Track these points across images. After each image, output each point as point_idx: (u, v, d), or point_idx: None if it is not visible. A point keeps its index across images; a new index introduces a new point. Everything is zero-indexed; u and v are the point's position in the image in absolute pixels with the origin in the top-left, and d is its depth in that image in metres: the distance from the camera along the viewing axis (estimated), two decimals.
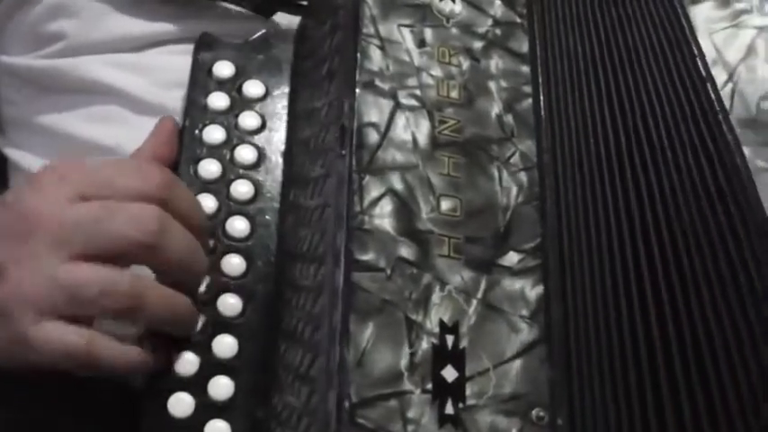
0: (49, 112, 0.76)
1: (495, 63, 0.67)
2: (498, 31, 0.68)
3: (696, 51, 0.71)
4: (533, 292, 0.62)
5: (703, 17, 0.72)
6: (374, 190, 0.61)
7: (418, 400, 0.57)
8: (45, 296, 0.60)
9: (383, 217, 0.61)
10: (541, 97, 0.67)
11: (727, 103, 0.68)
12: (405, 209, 0.61)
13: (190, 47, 0.75)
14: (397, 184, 0.62)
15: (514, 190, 0.64)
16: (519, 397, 0.59)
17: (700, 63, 0.70)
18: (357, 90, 0.64)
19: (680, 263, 0.62)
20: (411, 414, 0.57)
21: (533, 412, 0.59)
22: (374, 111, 0.64)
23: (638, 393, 0.60)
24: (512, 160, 0.65)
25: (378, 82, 0.64)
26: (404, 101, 0.64)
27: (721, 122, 0.67)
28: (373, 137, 0.63)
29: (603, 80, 0.69)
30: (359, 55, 0.64)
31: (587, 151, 0.67)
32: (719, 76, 0.69)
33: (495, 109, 0.66)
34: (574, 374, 0.60)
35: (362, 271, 0.59)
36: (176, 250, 0.62)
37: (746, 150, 0.66)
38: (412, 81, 0.65)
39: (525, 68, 0.67)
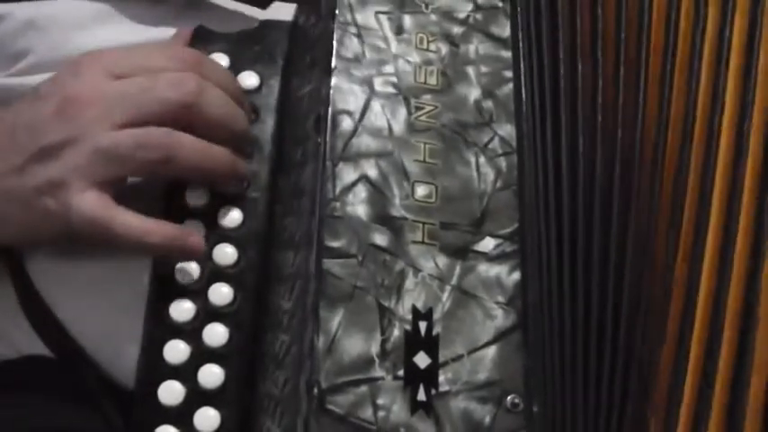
0: None
1: (475, 48, 0.67)
2: (479, 16, 0.67)
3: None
4: (510, 277, 0.61)
5: None
6: (347, 177, 0.61)
7: (389, 387, 0.57)
8: (91, 165, 0.63)
9: (356, 204, 0.61)
10: (522, 81, 0.66)
11: None
12: (379, 195, 0.61)
13: None
14: (371, 170, 0.62)
15: (492, 175, 0.63)
16: (493, 384, 0.59)
17: None
18: (333, 78, 0.64)
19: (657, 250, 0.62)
20: (381, 400, 0.57)
21: (508, 399, 0.59)
22: (349, 98, 0.64)
23: (616, 380, 0.59)
24: (490, 146, 0.64)
25: (353, 70, 0.64)
26: (380, 88, 0.64)
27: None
28: (348, 124, 0.63)
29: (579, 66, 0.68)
30: (335, 43, 0.65)
31: (573, 136, 0.66)
32: None
33: (474, 94, 0.65)
34: (548, 361, 0.60)
35: (333, 258, 0.59)
36: (216, 108, 0.65)
37: None
38: (388, 68, 0.65)
39: (506, 53, 0.67)
